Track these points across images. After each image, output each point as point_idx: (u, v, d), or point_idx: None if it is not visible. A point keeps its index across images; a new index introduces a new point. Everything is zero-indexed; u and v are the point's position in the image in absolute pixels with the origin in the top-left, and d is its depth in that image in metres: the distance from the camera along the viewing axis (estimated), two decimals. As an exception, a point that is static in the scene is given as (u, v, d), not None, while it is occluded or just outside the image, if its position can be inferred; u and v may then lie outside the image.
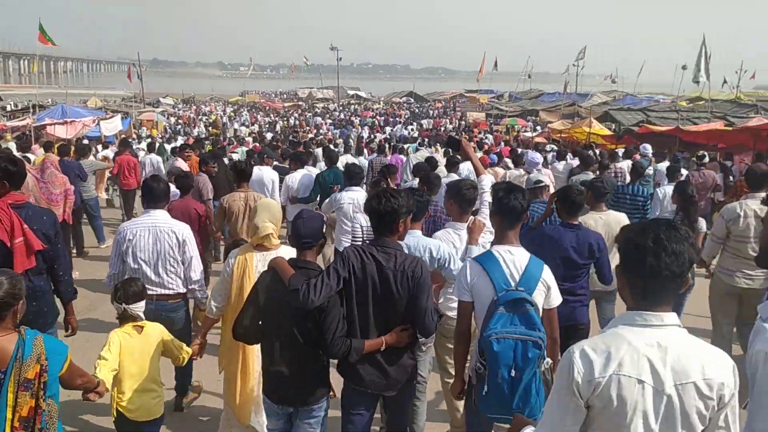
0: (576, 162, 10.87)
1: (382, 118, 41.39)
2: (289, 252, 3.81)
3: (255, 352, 3.92)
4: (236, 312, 3.55)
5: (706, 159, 11.35)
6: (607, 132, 22.43)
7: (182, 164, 10.03)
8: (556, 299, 3.33)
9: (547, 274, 3.29)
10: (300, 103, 58.01)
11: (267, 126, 35.32)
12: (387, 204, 3.14)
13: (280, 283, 3.09)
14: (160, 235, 4.44)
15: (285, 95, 73.64)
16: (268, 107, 53.41)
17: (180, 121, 38.77)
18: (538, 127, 31.81)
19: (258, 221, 3.90)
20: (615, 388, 1.84)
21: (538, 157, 10.44)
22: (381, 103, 58.09)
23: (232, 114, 46.16)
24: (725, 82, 45.47)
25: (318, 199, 8.36)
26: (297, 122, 37.83)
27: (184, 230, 4.56)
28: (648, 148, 13.10)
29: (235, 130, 31.67)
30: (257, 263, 3.91)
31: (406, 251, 3.40)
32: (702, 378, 1.85)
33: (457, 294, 3.32)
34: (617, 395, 1.85)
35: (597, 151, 14.10)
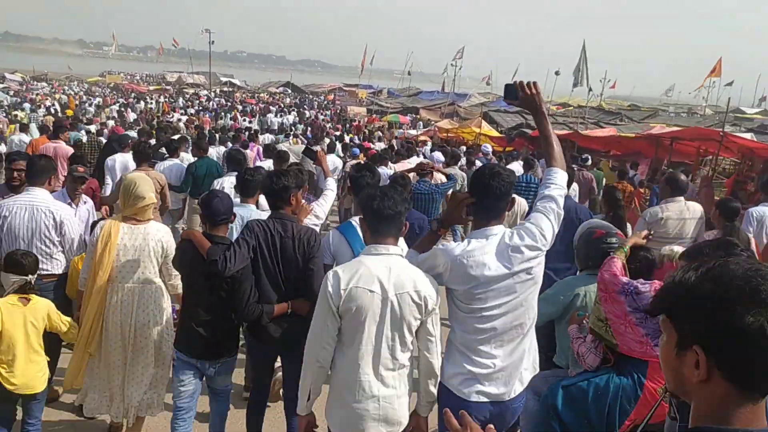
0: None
1: (264, 106, 39.63)
2: (157, 228, 4.02)
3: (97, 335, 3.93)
4: (96, 282, 3.82)
5: (589, 162, 12.83)
6: (496, 133, 22.22)
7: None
8: None
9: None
10: (167, 87, 53.95)
11: (124, 107, 31.99)
12: (279, 182, 3.67)
13: (197, 253, 3.45)
14: (36, 214, 4.36)
15: (152, 78, 68.78)
16: (131, 90, 48.98)
17: (25, 97, 34.53)
18: (421, 123, 31.54)
19: (142, 191, 3.92)
20: (354, 297, 2.64)
21: (441, 157, 11.58)
22: (265, 93, 55.85)
23: (83, 95, 42.04)
24: (590, 89, 48.20)
25: (189, 190, 8.03)
26: (161, 108, 34.64)
27: (62, 211, 4.49)
28: (488, 147, 15.52)
29: (91, 112, 28.61)
30: (123, 236, 3.91)
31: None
32: (413, 289, 2.69)
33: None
34: (356, 302, 2.64)
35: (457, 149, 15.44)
